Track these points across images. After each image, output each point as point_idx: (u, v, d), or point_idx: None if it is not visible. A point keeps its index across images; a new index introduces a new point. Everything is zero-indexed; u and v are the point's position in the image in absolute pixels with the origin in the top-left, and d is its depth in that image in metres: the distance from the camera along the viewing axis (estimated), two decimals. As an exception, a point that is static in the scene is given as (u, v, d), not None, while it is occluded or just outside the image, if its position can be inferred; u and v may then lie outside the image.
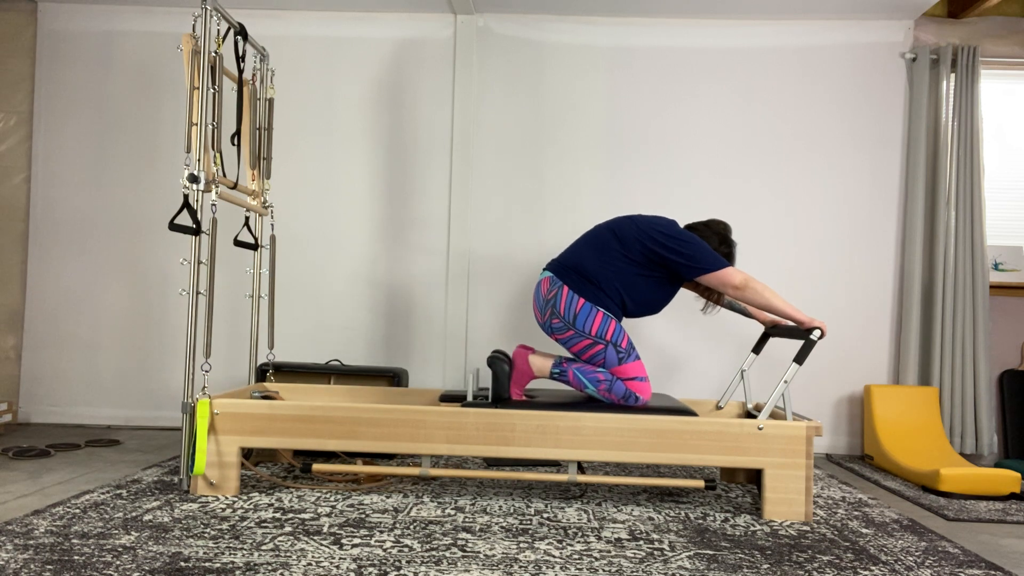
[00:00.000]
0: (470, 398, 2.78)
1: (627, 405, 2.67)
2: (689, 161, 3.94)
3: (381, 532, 2.25)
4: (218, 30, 2.74)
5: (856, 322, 3.88)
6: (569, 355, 2.79)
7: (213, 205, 2.71)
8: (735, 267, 2.67)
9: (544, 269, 2.84)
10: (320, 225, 4.01)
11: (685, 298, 3.92)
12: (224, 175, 2.75)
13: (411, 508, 2.53)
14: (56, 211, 4.04)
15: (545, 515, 2.50)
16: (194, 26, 2.66)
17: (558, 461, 3.29)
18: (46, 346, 4.02)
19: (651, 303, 2.75)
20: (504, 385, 2.72)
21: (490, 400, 2.73)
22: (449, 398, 3.07)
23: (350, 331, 3.98)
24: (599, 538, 2.26)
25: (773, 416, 2.80)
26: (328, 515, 2.41)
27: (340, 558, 2.00)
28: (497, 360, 2.73)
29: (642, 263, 2.69)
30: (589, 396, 2.77)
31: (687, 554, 2.14)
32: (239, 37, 2.94)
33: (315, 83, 4.03)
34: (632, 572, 1.97)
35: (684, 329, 3.91)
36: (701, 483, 2.58)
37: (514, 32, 3.99)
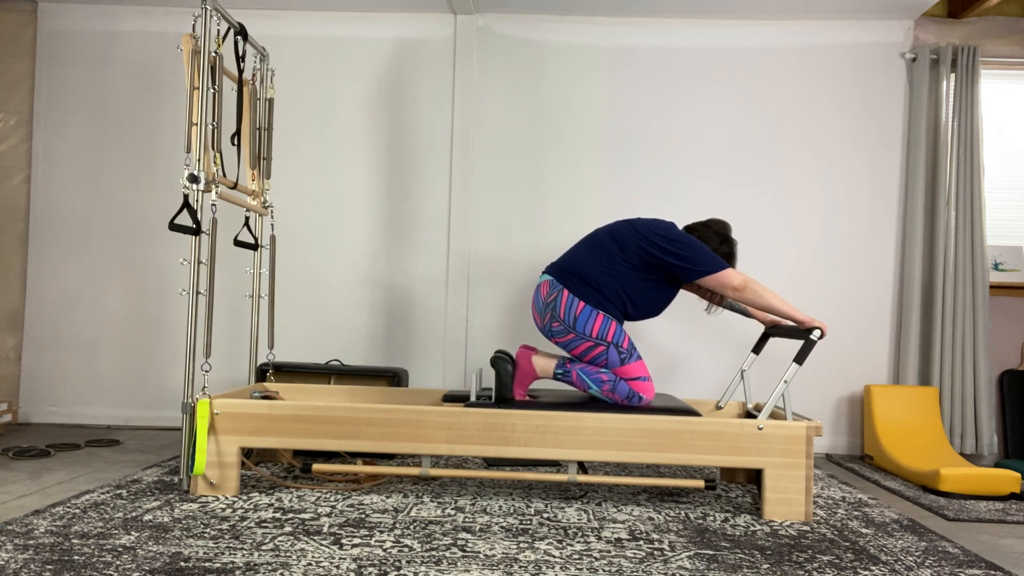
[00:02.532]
0: (473, 398, 2.78)
1: (631, 405, 2.67)
2: (689, 161, 3.94)
3: (381, 532, 2.25)
4: (218, 30, 2.74)
5: (856, 322, 3.88)
6: (563, 358, 2.79)
7: (213, 205, 2.71)
8: (734, 269, 2.67)
9: (543, 272, 2.83)
10: (320, 225, 4.01)
11: (686, 299, 3.92)
12: (224, 175, 2.75)
13: (411, 508, 2.53)
14: (56, 211, 4.04)
15: (545, 515, 2.50)
16: (194, 26, 2.66)
17: (558, 461, 3.29)
18: (46, 346, 4.02)
19: (652, 306, 2.75)
20: (507, 385, 2.72)
21: (493, 400, 2.73)
22: (452, 398, 3.07)
23: (350, 331, 3.98)
24: (599, 538, 2.26)
25: (773, 416, 2.80)
26: (328, 515, 2.41)
27: (340, 558, 2.00)
28: (500, 360, 2.72)
29: (642, 267, 2.69)
30: (592, 396, 2.77)
31: (687, 554, 2.14)
32: (239, 37, 2.94)
33: (315, 83, 4.03)
34: (632, 572, 1.97)
35: (684, 329, 3.91)
36: (701, 483, 2.58)
37: (514, 32, 3.99)
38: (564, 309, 2.69)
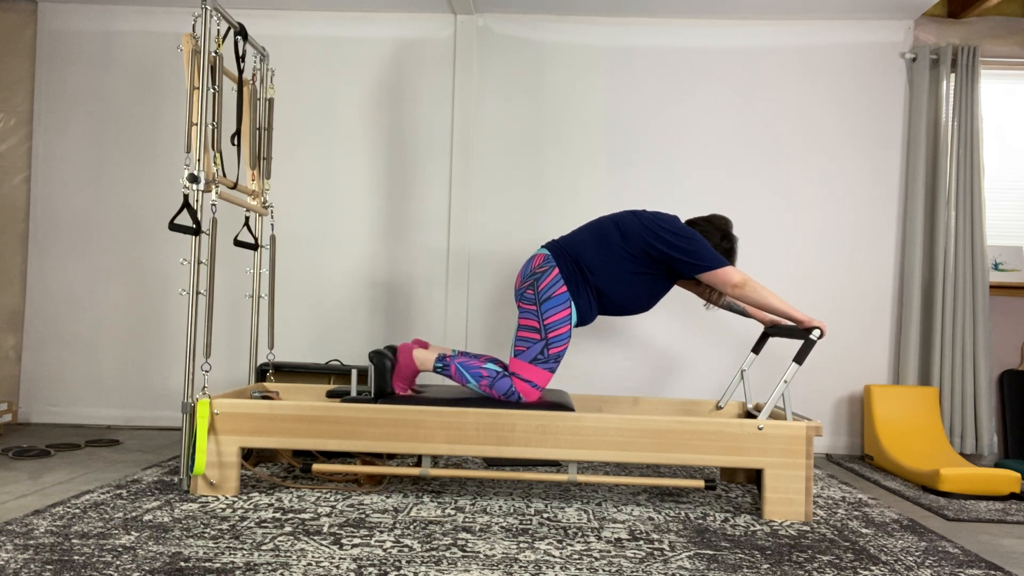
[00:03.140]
0: (354, 393, 2.81)
1: (508, 401, 2.68)
2: (689, 161, 3.94)
3: (381, 532, 2.25)
4: (218, 30, 2.74)
5: (856, 322, 3.88)
6: (455, 351, 2.82)
7: (213, 205, 2.71)
8: (734, 266, 2.67)
9: (542, 246, 2.83)
10: (320, 225, 4.01)
11: (685, 299, 3.92)
12: (224, 175, 2.75)
13: (411, 508, 2.53)
14: (56, 211, 4.04)
15: (545, 515, 2.50)
16: (194, 26, 2.66)
17: (558, 461, 3.29)
18: (46, 346, 4.02)
19: (640, 301, 2.75)
20: (386, 380, 2.73)
21: (372, 395, 2.73)
22: (334, 394, 3.06)
23: (350, 331, 3.98)
24: (599, 538, 2.26)
25: (773, 416, 2.80)
26: (328, 515, 2.41)
27: (340, 558, 2.00)
28: (378, 355, 2.73)
29: (641, 258, 2.69)
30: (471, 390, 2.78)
31: (687, 554, 2.14)
32: (239, 37, 2.94)
33: (315, 83, 4.03)
34: (632, 572, 1.97)
35: (684, 329, 3.91)
36: (701, 483, 2.58)
37: (514, 32, 3.99)
38: (545, 285, 2.70)
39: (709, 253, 2.64)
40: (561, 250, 2.76)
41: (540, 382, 2.70)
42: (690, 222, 2.89)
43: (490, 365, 2.73)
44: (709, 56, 3.95)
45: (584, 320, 2.78)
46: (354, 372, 2.84)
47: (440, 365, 2.77)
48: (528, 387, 2.69)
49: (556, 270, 2.71)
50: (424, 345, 2.83)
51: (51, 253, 4.04)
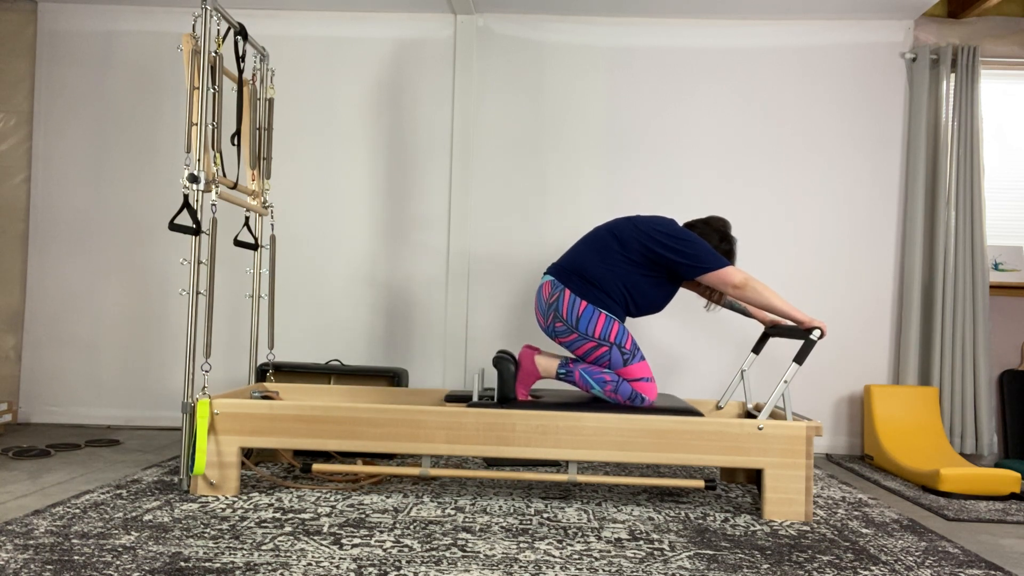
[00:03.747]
0: (476, 398, 2.78)
1: (633, 406, 2.67)
2: (689, 161, 3.94)
3: (381, 532, 2.25)
4: (218, 30, 2.74)
5: (856, 322, 3.88)
6: (566, 358, 2.79)
7: (213, 205, 2.71)
8: (735, 266, 2.67)
9: (545, 273, 2.83)
10: (320, 225, 4.01)
11: (685, 298, 3.92)
12: (224, 175, 2.75)
13: (411, 508, 2.53)
14: (56, 211, 4.04)
15: (545, 515, 2.50)
16: (194, 26, 2.66)
17: (558, 461, 3.29)
18: (46, 346, 4.02)
19: (653, 303, 2.76)
20: (510, 385, 2.72)
21: (496, 400, 2.73)
22: (455, 398, 3.06)
23: (350, 331, 3.98)
24: (599, 538, 2.26)
25: (773, 416, 2.80)
26: (328, 515, 2.41)
27: (340, 558, 2.00)
28: (503, 360, 2.72)
29: (642, 263, 2.69)
30: (595, 396, 2.77)
31: (687, 554, 2.14)
32: (239, 37, 2.94)
33: (315, 83, 4.03)
34: (632, 572, 1.97)
35: (684, 329, 3.91)
36: (701, 483, 2.58)
37: (514, 32, 3.99)
38: (567, 309, 2.69)
39: (709, 254, 2.64)
40: (564, 271, 2.76)
41: (647, 374, 2.69)
42: (688, 224, 2.89)
43: (608, 371, 2.71)
44: (709, 56, 3.95)
45: (627, 314, 2.75)
46: (476, 376, 2.81)
47: (563, 372, 2.75)
48: (644, 384, 2.68)
49: (567, 291, 2.71)
50: (536, 350, 2.81)
51: (51, 253, 4.04)
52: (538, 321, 2.83)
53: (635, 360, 2.68)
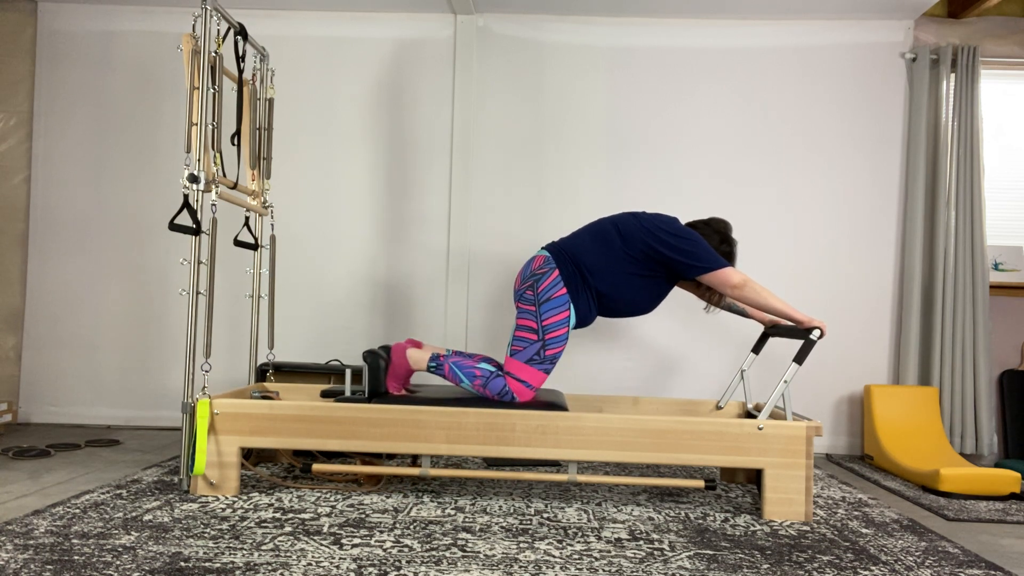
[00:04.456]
0: (348, 393, 2.80)
1: (501, 401, 2.68)
2: (689, 161, 3.94)
3: (381, 532, 2.25)
4: (218, 30, 2.74)
5: (856, 322, 3.88)
6: (449, 351, 2.82)
7: (213, 205, 2.71)
8: (735, 267, 2.67)
9: (542, 248, 2.84)
10: (320, 225, 4.01)
11: (685, 299, 3.92)
12: (224, 175, 2.75)
13: (411, 508, 2.53)
14: (56, 211, 4.04)
15: (545, 515, 2.50)
16: (194, 26, 2.66)
17: (558, 461, 3.29)
18: (46, 346, 4.02)
19: (641, 302, 2.76)
20: (379, 379, 2.73)
21: (367, 395, 2.73)
22: (329, 394, 3.05)
23: (350, 331, 3.98)
24: (599, 538, 2.26)
25: (773, 416, 2.80)
26: (328, 515, 2.41)
27: (340, 558, 2.00)
28: (373, 354, 2.73)
29: (641, 260, 2.70)
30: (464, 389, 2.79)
31: (687, 554, 2.14)
32: (239, 37, 2.94)
33: (315, 83, 4.03)
34: (632, 572, 1.97)
35: (684, 329, 3.91)
36: (701, 483, 2.58)
37: (514, 32, 3.99)
38: (545, 287, 2.70)
39: (709, 254, 2.64)
40: (561, 252, 2.76)
41: (534, 382, 2.70)
42: (690, 225, 2.89)
43: (484, 365, 2.74)
44: (709, 56, 3.95)
45: (583, 322, 2.78)
46: (348, 372, 2.84)
47: (434, 365, 2.77)
48: (522, 387, 2.69)
49: (556, 272, 2.71)
50: (418, 345, 2.83)
51: (51, 253, 4.04)
52: (515, 283, 2.84)
53: (540, 366, 2.69)
